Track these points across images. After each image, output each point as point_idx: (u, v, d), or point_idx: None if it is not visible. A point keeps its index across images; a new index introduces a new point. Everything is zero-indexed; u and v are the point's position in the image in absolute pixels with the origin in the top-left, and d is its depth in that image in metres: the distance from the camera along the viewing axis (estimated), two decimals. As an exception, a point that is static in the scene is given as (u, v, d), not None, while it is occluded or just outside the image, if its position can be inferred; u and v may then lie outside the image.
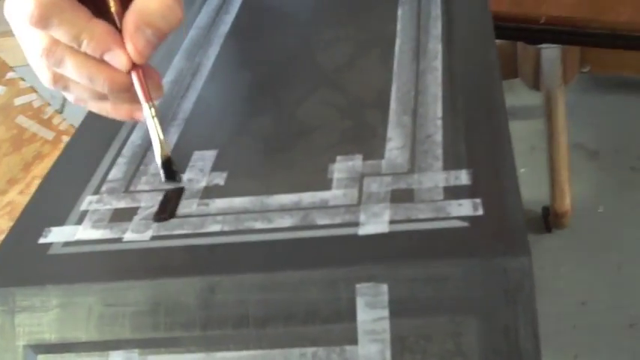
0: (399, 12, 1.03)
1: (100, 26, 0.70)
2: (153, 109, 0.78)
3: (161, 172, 0.82)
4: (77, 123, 1.58)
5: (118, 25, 0.72)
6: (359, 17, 1.04)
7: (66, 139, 1.68)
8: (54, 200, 0.81)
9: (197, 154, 0.84)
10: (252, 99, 0.91)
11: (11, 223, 1.60)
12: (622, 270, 1.89)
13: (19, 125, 1.74)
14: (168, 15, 0.70)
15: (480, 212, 0.70)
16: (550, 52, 1.88)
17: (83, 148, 0.89)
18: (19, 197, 1.67)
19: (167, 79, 0.98)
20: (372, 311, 0.66)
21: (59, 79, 0.73)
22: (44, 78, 0.74)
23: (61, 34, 0.68)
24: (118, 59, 0.71)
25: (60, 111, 1.85)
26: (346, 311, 0.67)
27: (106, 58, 0.71)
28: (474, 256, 0.67)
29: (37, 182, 1.73)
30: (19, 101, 1.78)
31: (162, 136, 0.80)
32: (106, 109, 0.79)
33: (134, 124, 0.91)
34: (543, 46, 1.87)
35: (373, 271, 0.68)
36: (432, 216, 0.71)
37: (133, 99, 0.76)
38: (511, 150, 0.78)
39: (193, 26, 1.09)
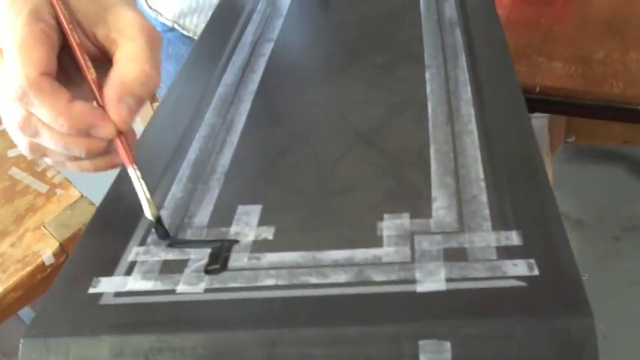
0: (427, 75, 1.05)
1: (77, 107, 0.71)
2: (137, 171, 0.80)
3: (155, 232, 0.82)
4: (72, 176, 1.58)
5: (96, 91, 0.74)
6: (387, 79, 1.06)
7: (60, 192, 1.68)
8: (99, 250, 0.81)
9: (241, 209, 0.85)
10: (290, 155, 0.92)
11: (2, 276, 1.58)
12: (607, 339, 1.91)
13: (12, 177, 1.73)
14: (147, 82, 0.73)
15: (536, 272, 0.71)
16: (538, 122, 1.92)
17: (123, 199, 0.88)
18: (10, 249, 1.65)
19: (200, 134, 0.99)
20: None
21: (36, 148, 0.75)
22: (22, 147, 0.75)
23: (40, 113, 0.70)
24: (104, 132, 0.74)
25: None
26: None
27: (92, 133, 0.73)
28: (536, 315, 0.68)
29: (29, 235, 1.71)
30: (12, 153, 1.78)
31: (149, 197, 0.81)
32: (85, 167, 0.80)
33: (172, 178, 0.91)
34: (534, 115, 1.91)
35: (436, 328, 0.68)
36: (489, 275, 0.72)
37: (109, 152, 0.77)
38: (557, 210, 0.79)
39: (221, 83, 1.10)
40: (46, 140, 0.72)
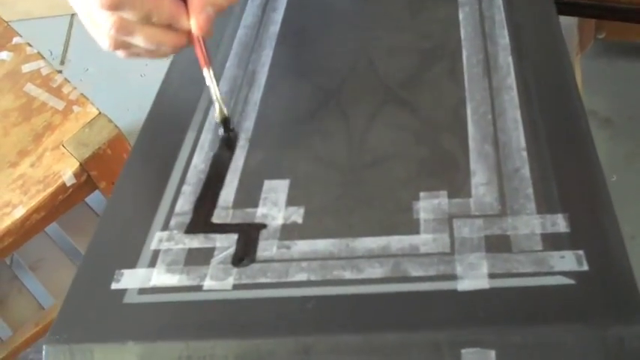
0: (461, 15, 0.97)
1: (165, 3, 0.78)
2: (212, 71, 0.85)
3: (220, 129, 0.89)
4: (88, 92, 1.52)
5: None
6: (418, 20, 0.99)
7: (77, 109, 1.62)
8: (120, 236, 0.77)
9: (268, 185, 0.80)
10: (317, 117, 0.87)
11: (24, 197, 1.55)
12: (635, 240, 1.87)
13: (28, 94, 1.68)
14: None
15: (585, 267, 0.66)
16: (567, 20, 1.83)
17: (143, 175, 0.84)
18: (30, 170, 1.61)
19: (222, 90, 0.92)
20: None
21: (120, 44, 0.81)
22: (104, 44, 0.81)
23: (131, 15, 0.77)
24: (185, 25, 0.81)
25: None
26: None
27: (176, 25, 0.80)
28: (587, 322, 0.64)
29: (48, 154, 1.67)
30: (26, 68, 1.71)
31: (219, 97, 0.87)
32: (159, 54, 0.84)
33: (194, 145, 0.85)
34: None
35: (479, 335, 0.64)
36: (534, 270, 0.67)
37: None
38: (605, 185, 0.74)
39: (240, 25, 1.03)
40: (140, 39, 0.79)
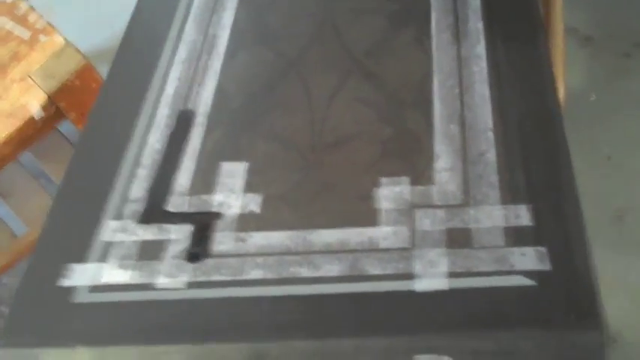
0: (431, -29, 0.93)
1: None
2: None
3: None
4: (55, 21, 1.47)
5: None
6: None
7: (44, 38, 1.57)
8: (71, 225, 0.74)
9: (225, 167, 0.77)
10: (278, 89, 0.84)
11: (-9, 132, 1.51)
12: (612, 161, 1.85)
13: (-8, 24, 1.62)
14: None
15: (547, 267, 0.64)
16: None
17: (96, 154, 0.81)
18: (-3, 102, 1.57)
19: (180, 57, 0.88)
20: None
21: None
22: None
23: None
24: None
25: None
26: None
27: None
28: (546, 329, 0.62)
29: (15, 86, 1.62)
30: (-10, -4, 1.65)
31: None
32: None
33: (149, 121, 0.82)
34: None
35: (434, 341, 0.63)
36: (494, 268, 0.65)
37: None
38: (572, 173, 0.72)
39: (202, -19, 0.98)
40: None
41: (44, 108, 1.50)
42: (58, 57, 1.52)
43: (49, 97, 1.48)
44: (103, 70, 1.49)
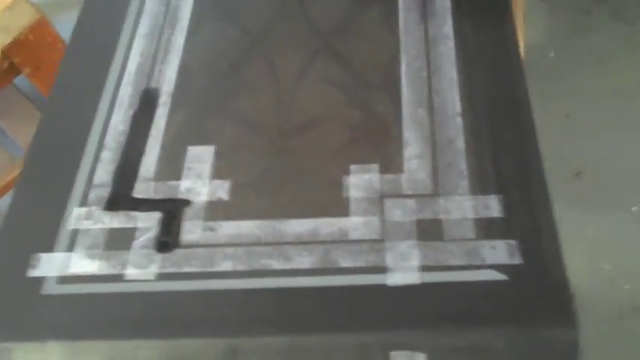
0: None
1: None
2: None
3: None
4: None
5: None
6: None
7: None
8: (36, 212, 0.73)
9: (192, 152, 0.76)
10: (244, 68, 0.83)
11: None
12: (570, 118, 1.87)
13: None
14: None
15: (518, 261, 0.65)
16: None
17: (58, 135, 0.79)
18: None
19: (142, 32, 0.87)
20: None
21: None
22: None
23: None
24: None
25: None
26: None
27: None
28: (517, 325, 0.63)
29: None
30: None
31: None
32: None
33: (112, 101, 0.81)
34: None
35: (409, 338, 0.64)
36: (466, 262, 0.66)
37: None
38: (541, 162, 0.72)
39: (162, -52, 0.96)
40: None
41: (-3, 63, 1.46)
42: (11, 10, 1.48)
43: (2, 52, 1.43)
44: (58, 22, 1.46)
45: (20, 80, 1.62)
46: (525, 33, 1.82)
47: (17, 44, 1.50)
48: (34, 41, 1.51)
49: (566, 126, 1.85)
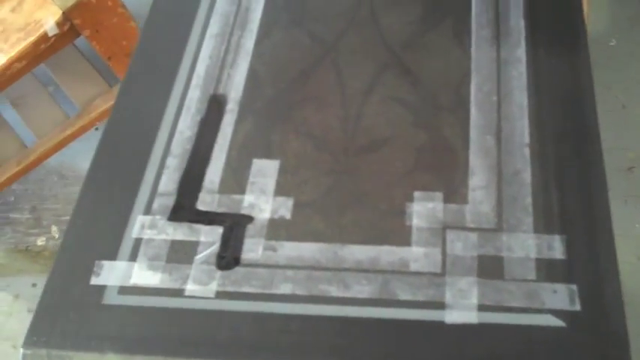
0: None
1: None
2: None
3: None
4: None
5: None
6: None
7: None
8: (100, 216, 0.74)
9: (257, 165, 0.76)
10: (313, 78, 0.84)
11: (4, 45, 1.49)
12: (627, 110, 1.84)
13: None
14: None
15: (578, 307, 0.65)
16: None
17: (125, 139, 0.80)
18: (11, 16, 1.55)
19: (212, 32, 0.86)
20: None
21: None
22: None
23: None
24: None
25: None
26: None
27: None
28: None
29: (30, 1, 1.59)
30: None
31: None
32: None
33: (180, 104, 0.81)
34: None
35: None
36: (525, 305, 0.66)
37: None
38: (607, 201, 0.71)
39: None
40: None
41: (58, 25, 1.47)
42: (74, -27, 1.48)
43: (63, 13, 1.44)
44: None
45: (79, 41, 1.63)
46: (589, 20, 1.79)
47: (79, 6, 1.51)
48: (95, 4, 1.52)
49: (621, 117, 1.82)
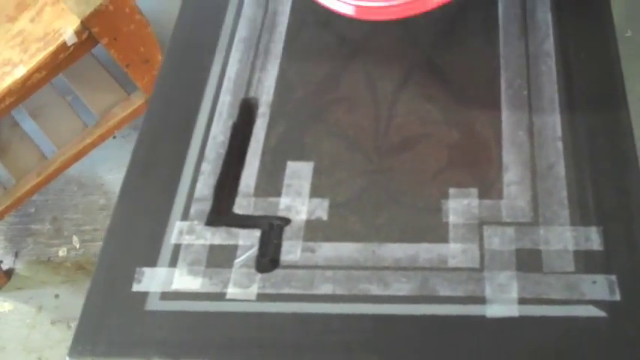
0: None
1: None
2: None
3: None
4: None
5: None
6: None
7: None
8: (138, 223, 0.75)
9: (291, 167, 0.77)
10: (342, 79, 0.85)
11: (24, 56, 1.50)
12: (645, 102, 1.83)
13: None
14: None
15: (618, 297, 0.66)
16: None
17: (159, 144, 0.80)
18: (30, 26, 1.56)
19: (240, 36, 0.87)
20: None
21: None
22: None
23: None
24: None
25: None
26: None
27: None
28: None
29: (48, 9, 1.60)
30: None
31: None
32: None
33: (212, 109, 0.82)
34: None
35: None
36: (565, 296, 0.66)
37: None
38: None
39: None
40: None
41: (77, 33, 1.49)
42: (92, -19, 1.49)
43: (82, 22, 1.45)
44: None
45: (97, 50, 1.64)
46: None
47: (97, 15, 1.52)
48: (113, 12, 1.53)
49: (637, 110, 1.82)
